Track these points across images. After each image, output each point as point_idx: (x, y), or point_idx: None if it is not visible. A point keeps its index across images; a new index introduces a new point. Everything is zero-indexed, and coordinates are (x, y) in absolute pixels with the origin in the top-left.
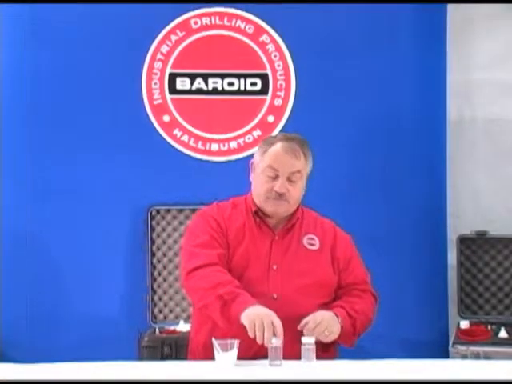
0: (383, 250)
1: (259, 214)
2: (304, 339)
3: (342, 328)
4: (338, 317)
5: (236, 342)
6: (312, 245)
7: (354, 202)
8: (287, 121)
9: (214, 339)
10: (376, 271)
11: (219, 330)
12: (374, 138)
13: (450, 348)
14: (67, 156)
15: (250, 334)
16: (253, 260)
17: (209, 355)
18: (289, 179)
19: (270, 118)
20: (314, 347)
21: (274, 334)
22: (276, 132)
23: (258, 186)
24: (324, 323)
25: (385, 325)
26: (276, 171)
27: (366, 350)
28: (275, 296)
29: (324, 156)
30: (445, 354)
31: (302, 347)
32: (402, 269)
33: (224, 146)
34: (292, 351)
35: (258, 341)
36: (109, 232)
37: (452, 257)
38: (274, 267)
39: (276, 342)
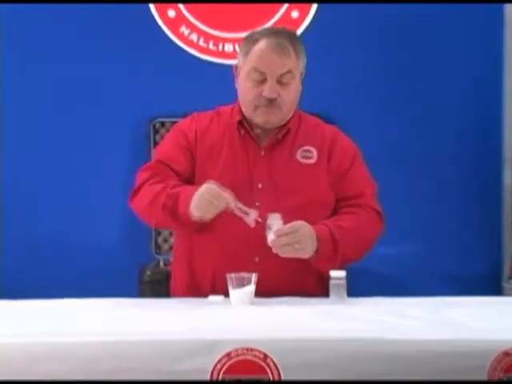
0: (430, 171)
1: (244, 124)
2: (333, 273)
3: (317, 251)
4: (317, 240)
5: (254, 276)
6: (308, 158)
7: (398, 114)
8: (314, 17)
9: (227, 274)
10: (422, 194)
11: (197, 263)
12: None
13: (504, 284)
14: (60, 58)
15: (208, 217)
16: (231, 179)
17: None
18: (279, 82)
19: (294, 14)
20: (344, 282)
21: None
22: (301, 31)
23: (244, 93)
24: (299, 235)
25: (428, 256)
26: (263, 74)
27: (406, 285)
28: (261, 220)
29: (353, 53)
30: (498, 291)
31: (331, 282)
32: (450, 192)
33: None
34: (283, 284)
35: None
36: (107, 149)
37: (507, 177)
38: (259, 186)
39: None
